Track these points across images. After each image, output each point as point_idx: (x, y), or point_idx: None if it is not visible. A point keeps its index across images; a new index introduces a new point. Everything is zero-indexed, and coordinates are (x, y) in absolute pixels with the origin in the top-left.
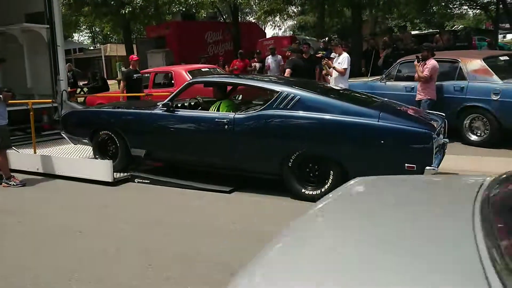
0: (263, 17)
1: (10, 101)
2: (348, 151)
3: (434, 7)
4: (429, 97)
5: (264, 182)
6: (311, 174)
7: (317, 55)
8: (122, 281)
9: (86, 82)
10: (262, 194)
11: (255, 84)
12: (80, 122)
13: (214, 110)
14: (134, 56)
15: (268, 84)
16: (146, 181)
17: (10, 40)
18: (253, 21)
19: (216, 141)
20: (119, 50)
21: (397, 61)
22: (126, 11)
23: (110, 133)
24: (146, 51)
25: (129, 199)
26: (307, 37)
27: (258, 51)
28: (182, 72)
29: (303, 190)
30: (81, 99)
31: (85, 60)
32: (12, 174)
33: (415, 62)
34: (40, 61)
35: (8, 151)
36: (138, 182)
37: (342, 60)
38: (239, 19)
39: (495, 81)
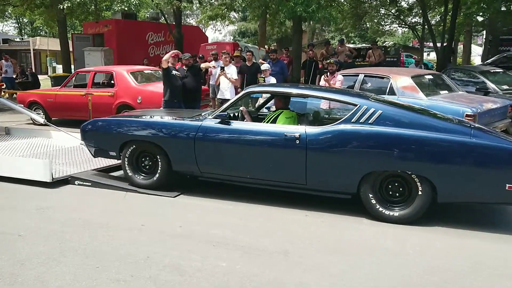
0: (204, 21)
1: None
2: (440, 170)
3: (367, 23)
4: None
5: (208, 187)
6: (394, 193)
7: (262, 62)
8: (69, 283)
9: (14, 77)
10: (207, 198)
11: (329, 96)
12: (106, 132)
13: (268, 122)
14: None
15: (343, 96)
16: (87, 183)
17: None
18: (194, 24)
19: (284, 158)
20: (51, 44)
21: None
22: (65, 6)
23: (148, 147)
24: (82, 48)
25: (69, 201)
26: (249, 44)
27: (200, 55)
28: (124, 73)
29: (384, 211)
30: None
31: (10, 53)
32: None
33: (324, 77)
34: None
35: None
36: (79, 184)
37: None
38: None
39: (421, 98)
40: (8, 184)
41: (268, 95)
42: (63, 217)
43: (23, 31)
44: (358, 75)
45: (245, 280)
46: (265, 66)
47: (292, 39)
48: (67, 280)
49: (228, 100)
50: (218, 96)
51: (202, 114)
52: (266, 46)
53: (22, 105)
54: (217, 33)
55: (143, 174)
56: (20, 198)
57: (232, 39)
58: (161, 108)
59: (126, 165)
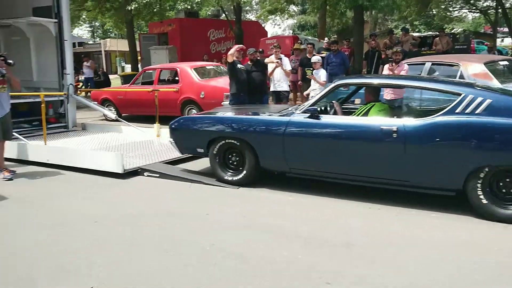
0: (263, 16)
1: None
2: None
3: (434, 10)
4: (401, 97)
5: (269, 178)
6: (506, 190)
7: (321, 55)
8: (142, 265)
9: (92, 77)
10: (268, 189)
11: (430, 86)
12: (194, 129)
13: (360, 115)
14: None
15: (446, 86)
16: (156, 175)
17: (16, 34)
18: (253, 19)
19: (380, 153)
20: (120, 45)
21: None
22: (132, 7)
23: (235, 143)
24: (148, 47)
25: (139, 191)
26: (309, 37)
27: (260, 50)
28: (187, 69)
29: (498, 209)
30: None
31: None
32: (5, 167)
33: (389, 66)
34: (47, 55)
35: (16, 142)
36: (148, 175)
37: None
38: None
39: (495, 85)
40: (85, 175)
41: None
42: (134, 206)
43: (95, 34)
44: (424, 64)
45: (307, 270)
46: (315, 58)
47: (353, 30)
48: (141, 263)
49: (283, 92)
50: (272, 89)
51: (289, 109)
52: (326, 38)
53: (96, 103)
54: (276, 27)
55: (230, 171)
56: (96, 187)
57: (291, 33)
58: (228, 101)
59: (214, 162)
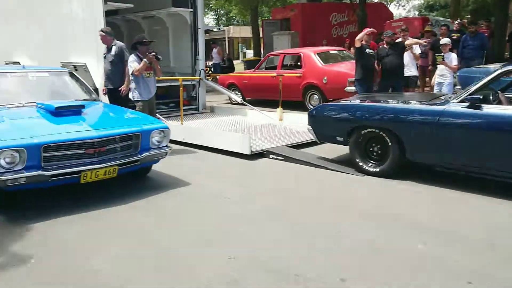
0: None
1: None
2: None
3: None
4: None
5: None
6: None
7: (452, 38)
8: (270, 241)
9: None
10: (396, 179)
11: None
12: (334, 117)
13: None
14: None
15: None
16: (280, 157)
17: (157, 23)
18: (377, 1)
19: None
20: (242, 31)
21: None
22: None
23: (379, 133)
24: (271, 33)
25: (265, 172)
26: (440, 18)
27: (381, 32)
28: (311, 54)
29: None
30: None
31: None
32: None
33: None
34: (182, 42)
35: None
36: (272, 158)
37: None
38: None
39: None
40: (215, 154)
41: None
42: (262, 186)
43: (219, 22)
44: None
45: (445, 266)
46: (444, 40)
47: (492, 8)
48: (270, 239)
49: (411, 77)
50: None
51: (441, 97)
52: (459, 19)
53: (223, 86)
54: (401, 8)
55: (371, 161)
56: (226, 167)
57: (417, 14)
58: (353, 86)
59: (354, 152)
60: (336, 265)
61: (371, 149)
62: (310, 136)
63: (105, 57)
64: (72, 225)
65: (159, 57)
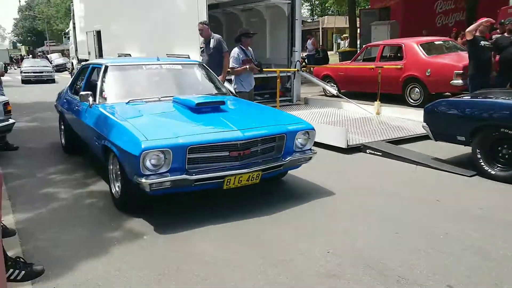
0: None
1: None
2: None
3: None
4: None
5: None
6: None
7: None
8: (369, 241)
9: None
10: (507, 183)
11: None
12: (456, 114)
13: None
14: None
15: None
16: (378, 153)
17: (255, 16)
18: None
19: None
20: (337, 22)
21: None
22: None
23: (509, 133)
24: (369, 23)
25: (362, 167)
26: None
27: (501, 21)
28: (414, 45)
29: None
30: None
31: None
32: None
33: None
34: (279, 34)
35: None
36: (370, 152)
37: None
38: None
39: None
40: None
41: None
42: (357, 182)
43: (313, 12)
44: None
45: None
46: None
47: None
48: (368, 237)
49: None
50: None
51: None
52: None
53: (318, 78)
54: None
55: (499, 165)
56: (324, 159)
57: None
58: (460, 80)
59: (478, 153)
60: (441, 270)
61: (499, 151)
62: (408, 132)
63: (203, 50)
64: (209, 235)
65: (262, 69)
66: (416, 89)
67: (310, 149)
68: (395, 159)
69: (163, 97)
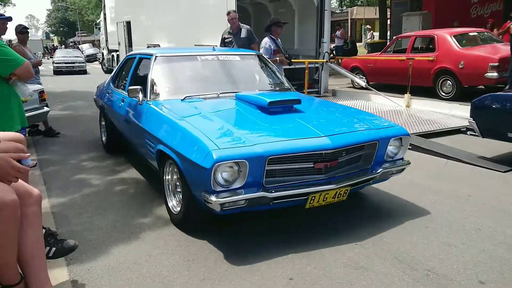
0: None
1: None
2: None
3: None
4: None
5: None
6: None
7: None
8: (404, 239)
9: (341, 45)
10: None
11: None
12: (508, 109)
13: None
14: None
15: None
16: (409, 146)
17: (284, 6)
18: None
19: None
20: (367, 12)
21: None
22: None
23: None
24: (401, 14)
25: None
26: None
27: None
28: (447, 37)
29: None
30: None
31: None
32: None
33: None
34: (307, 24)
35: None
36: None
37: None
38: None
39: None
40: None
41: None
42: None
43: (342, 3)
44: None
45: None
46: None
47: None
48: (402, 235)
49: None
50: None
51: None
52: None
53: (346, 70)
54: None
55: None
56: None
57: None
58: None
59: None
60: (473, 266)
61: None
62: (439, 126)
63: (229, 41)
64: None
65: (291, 62)
66: (448, 81)
67: (402, 158)
68: (426, 153)
69: (222, 93)
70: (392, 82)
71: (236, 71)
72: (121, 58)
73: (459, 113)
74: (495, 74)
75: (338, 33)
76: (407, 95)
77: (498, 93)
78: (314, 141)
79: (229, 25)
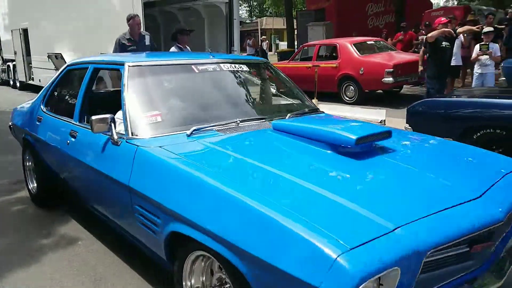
0: None
1: None
2: None
3: None
4: None
5: None
6: None
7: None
8: None
9: (253, 54)
10: None
11: None
12: (443, 115)
13: None
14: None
15: None
16: None
17: (193, 15)
18: None
19: None
20: (275, 23)
21: None
22: None
23: (502, 133)
24: (306, 24)
25: None
26: (483, 6)
27: (427, 22)
28: (348, 45)
29: None
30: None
31: (242, 33)
32: None
33: None
34: (218, 33)
35: None
36: None
37: None
38: None
39: None
40: None
41: None
42: None
43: (252, 13)
44: None
45: None
46: (488, 29)
47: None
48: None
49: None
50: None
51: None
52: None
53: None
54: None
55: None
56: None
57: (457, 3)
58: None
59: None
60: None
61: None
62: None
63: (132, 49)
64: None
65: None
66: (351, 87)
67: None
68: None
69: (243, 120)
70: (301, 88)
71: (247, 86)
72: (18, 69)
73: (360, 116)
74: (391, 79)
75: (249, 42)
76: (314, 100)
77: (431, 99)
78: (479, 213)
79: (127, 31)
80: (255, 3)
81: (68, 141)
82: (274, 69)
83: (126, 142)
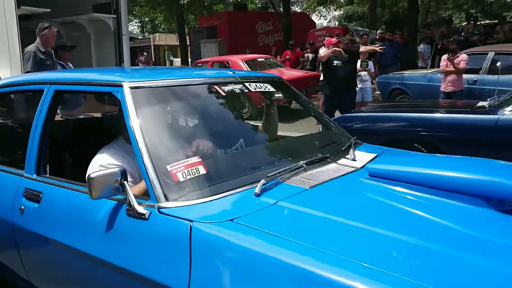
0: (312, 6)
1: None
2: None
3: None
4: (461, 89)
5: None
6: None
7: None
8: None
9: None
10: None
11: None
12: (365, 128)
13: None
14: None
15: None
16: None
17: (78, 30)
18: (299, 11)
19: None
20: (168, 39)
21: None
22: (184, 1)
23: (417, 146)
24: (199, 41)
25: None
26: (359, 27)
27: (311, 41)
28: (239, 62)
29: None
30: None
31: (134, 49)
32: None
33: (447, 57)
34: (106, 49)
35: None
36: None
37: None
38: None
39: None
40: None
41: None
42: None
43: (144, 29)
44: (487, 53)
45: None
46: (364, 47)
47: (403, 20)
48: None
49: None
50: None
51: (483, 105)
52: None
53: None
54: (322, 19)
55: None
56: None
57: (337, 24)
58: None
59: None
60: None
61: None
62: None
63: (47, 62)
64: None
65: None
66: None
67: None
68: None
69: (308, 163)
70: None
71: (274, 111)
72: None
73: None
74: (281, 95)
75: (142, 58)
76: None
77: (346, 115)
78: None
79: (37, 43)
80: (146, 19)
81: (23, 207)
82: (293, 89)
83: (160, 213)
